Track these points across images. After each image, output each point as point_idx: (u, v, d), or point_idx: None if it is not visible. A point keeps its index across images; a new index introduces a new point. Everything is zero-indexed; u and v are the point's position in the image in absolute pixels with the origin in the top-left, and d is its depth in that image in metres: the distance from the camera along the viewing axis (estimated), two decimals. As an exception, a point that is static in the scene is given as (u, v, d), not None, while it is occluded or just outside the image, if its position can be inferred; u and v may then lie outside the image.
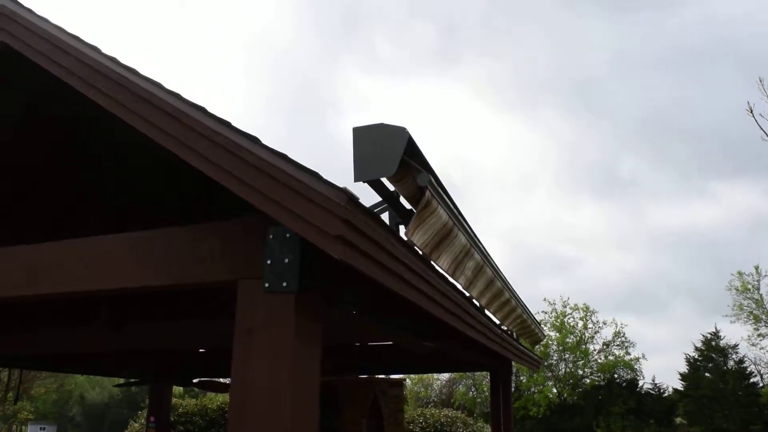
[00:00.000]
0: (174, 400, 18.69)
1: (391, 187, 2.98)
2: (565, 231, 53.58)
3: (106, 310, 5.17)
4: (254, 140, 2.42)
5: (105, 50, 3.09)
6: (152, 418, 9.89)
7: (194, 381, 10.67)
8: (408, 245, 2.69)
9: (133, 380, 11.70)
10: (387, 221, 3.47)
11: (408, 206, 3.23)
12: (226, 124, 2.52)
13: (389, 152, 2.52)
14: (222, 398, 19.39)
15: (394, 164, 2.51)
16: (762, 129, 9.11)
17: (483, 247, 4.20)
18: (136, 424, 20.37)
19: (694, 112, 47.83)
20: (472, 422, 21.64)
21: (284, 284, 2.32)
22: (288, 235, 2.34)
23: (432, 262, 3.21)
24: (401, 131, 2.59)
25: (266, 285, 2.35)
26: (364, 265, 2.27)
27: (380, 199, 3.28)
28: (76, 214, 5.58)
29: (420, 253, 2.96)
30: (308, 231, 2.14)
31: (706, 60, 43.92)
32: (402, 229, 3.42)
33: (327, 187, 2.14)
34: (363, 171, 2.54)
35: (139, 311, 5.35)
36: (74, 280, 2.89)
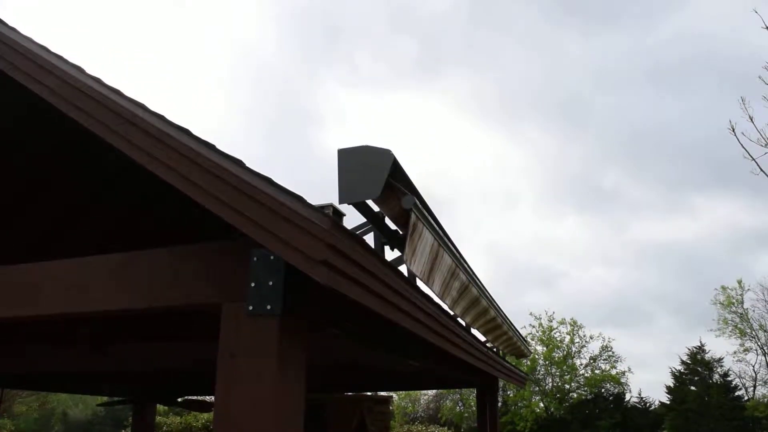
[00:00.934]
0: (158, 418, 18.48)
1: (376, 208, 2.98)
2: (549, 245, 53.64)
3: (90, 330, 5.12)
4: (238, 163, 2.41)
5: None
6: (136, 438, 9.77)
7: (179, 400, 10.58)
8: (392, 267, 2.68)
9: (117, 399, 11.57)
10: (372, 242, 3.47)
11: (393, 227, 3.23)
12: (211, 147, 2.51)
13: (374, 175, 2.52)
14: (207, 416, 19.18)
15: (379, 187, 2.52)
16: (744, 148, 9.26)
17: (468, 265, 4.21)
18: (120, 443, 20.13)
19: (677, 127, 48.21)
20: (459, 438, 21.56)
21: (268, 307, 2.30)
22: (272, 257, 2.32)
23: (420, 284, 3.20)
24: (386, 153, 2.59)
25: (250, 308, 2.33)
26: (349, 289, 2.26)
27: (365, 220, 3.28)
28: (63, 232, 5.53)
29: (406, 275, 2.95)
30: (292, 255, 2.12)
31: (688, 75, 44.36)
32: (387, 249, 3.42)
33: (311, 211, 2.13)
34: (348, 193, 2.54)
35: (123, 331, 5.29)
36: (55, 303, 2.85)
